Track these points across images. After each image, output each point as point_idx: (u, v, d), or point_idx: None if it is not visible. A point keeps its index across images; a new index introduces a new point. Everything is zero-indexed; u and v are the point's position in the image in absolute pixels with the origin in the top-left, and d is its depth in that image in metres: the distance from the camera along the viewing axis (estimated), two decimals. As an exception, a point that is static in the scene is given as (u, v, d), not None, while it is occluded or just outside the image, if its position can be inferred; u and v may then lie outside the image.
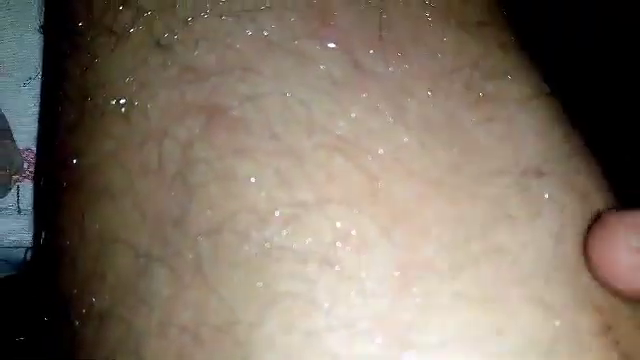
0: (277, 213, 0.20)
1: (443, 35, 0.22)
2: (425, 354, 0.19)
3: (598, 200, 0.22)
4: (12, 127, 0.39)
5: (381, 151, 0.20)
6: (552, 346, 0.19)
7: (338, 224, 0.20)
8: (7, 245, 0.38)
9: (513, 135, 0.22)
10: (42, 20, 0.36)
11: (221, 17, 0.22)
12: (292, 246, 0.20)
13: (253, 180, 0.20)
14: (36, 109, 0.38)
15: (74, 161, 0.23)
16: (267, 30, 0.21)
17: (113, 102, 0.23)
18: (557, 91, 0.24)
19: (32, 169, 0.39)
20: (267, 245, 0.20)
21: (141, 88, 0.22)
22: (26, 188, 0.39)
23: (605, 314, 0.20)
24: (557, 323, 0.19)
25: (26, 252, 0.38)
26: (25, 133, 0.39)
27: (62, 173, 0.24)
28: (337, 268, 0.19)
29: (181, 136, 0.21)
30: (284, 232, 0.20)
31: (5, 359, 0.40)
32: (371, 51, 0.22)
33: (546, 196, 0.21)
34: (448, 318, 0.19)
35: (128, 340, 0.20)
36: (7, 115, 0.39)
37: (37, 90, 0.38)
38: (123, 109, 0.22)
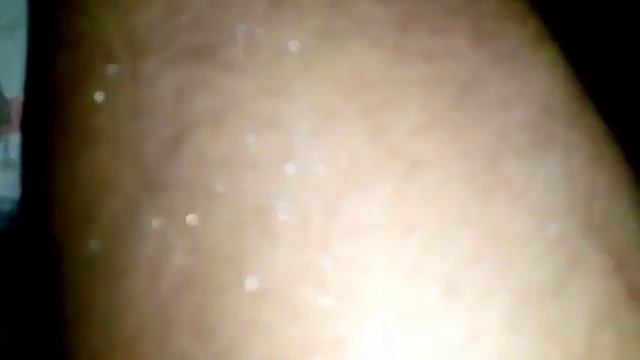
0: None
1: None
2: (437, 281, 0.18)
3: (604, 139, 0.21)
4: (0, 76, 0.38)
5: (379, 85, 0.20)
6: (559, 278, 0.19)
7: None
8: (-4, 196, 0.38)
9: (519, 71, 0.21)
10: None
11: None
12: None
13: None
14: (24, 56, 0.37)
15: (65, 107, 0.23)
16: None
17: (104, 49, 0.22)
18: (561, 35, 0.23)
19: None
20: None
21: (133, 33, 0.22)
22: (15, 141, 0.39)
23: (614, 253, 0.19)
24: (564, 255, 0.19)
25: (15, 204, 0.38)
26: (14, 82, 0.38)
27: (53, 119, 0.24)
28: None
29: (172, 80, 0.20)
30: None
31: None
32: None
33: (554, 132, 0.20)
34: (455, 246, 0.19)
35: (114, 279, 0.20)
36: (-6, 64, 0.38)
37: (25, 37, 0.37)
38: (114, 58, 0.22)
